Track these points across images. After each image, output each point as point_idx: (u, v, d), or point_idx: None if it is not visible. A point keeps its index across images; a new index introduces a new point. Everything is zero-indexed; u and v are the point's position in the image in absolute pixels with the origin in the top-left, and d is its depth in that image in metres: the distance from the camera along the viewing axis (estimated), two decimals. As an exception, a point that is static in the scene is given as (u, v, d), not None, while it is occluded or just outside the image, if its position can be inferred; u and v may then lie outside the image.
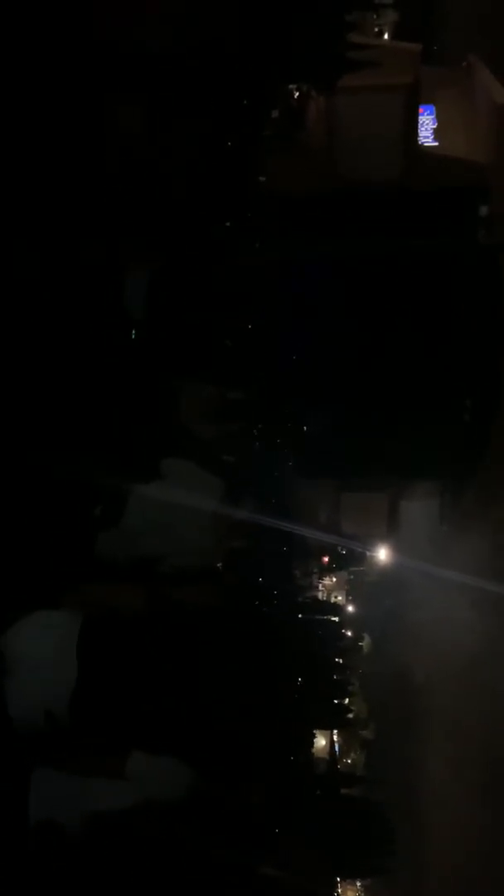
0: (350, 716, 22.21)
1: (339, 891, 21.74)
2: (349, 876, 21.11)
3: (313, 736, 19.26)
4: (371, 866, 20.03)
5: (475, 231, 15.83)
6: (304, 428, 15.93)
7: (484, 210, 15.93)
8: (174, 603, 3.21)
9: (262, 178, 11.81)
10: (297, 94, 14.38)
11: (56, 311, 4.02)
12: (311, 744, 18.96)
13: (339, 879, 20.79)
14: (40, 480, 3.44)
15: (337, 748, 23.40)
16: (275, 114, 13.16)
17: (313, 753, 19.55)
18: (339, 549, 21.39)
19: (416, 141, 16.00)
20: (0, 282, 3.84)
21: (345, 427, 15.56)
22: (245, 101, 9.55)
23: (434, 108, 16.54)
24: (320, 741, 21.61)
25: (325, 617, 21.27)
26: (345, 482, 17.74)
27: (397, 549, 19.36)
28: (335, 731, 22.89)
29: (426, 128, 16.41)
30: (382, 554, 20.21)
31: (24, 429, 3.62)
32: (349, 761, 24.23)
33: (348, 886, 22.64)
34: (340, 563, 23.13)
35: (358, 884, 22.85)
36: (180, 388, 5.09)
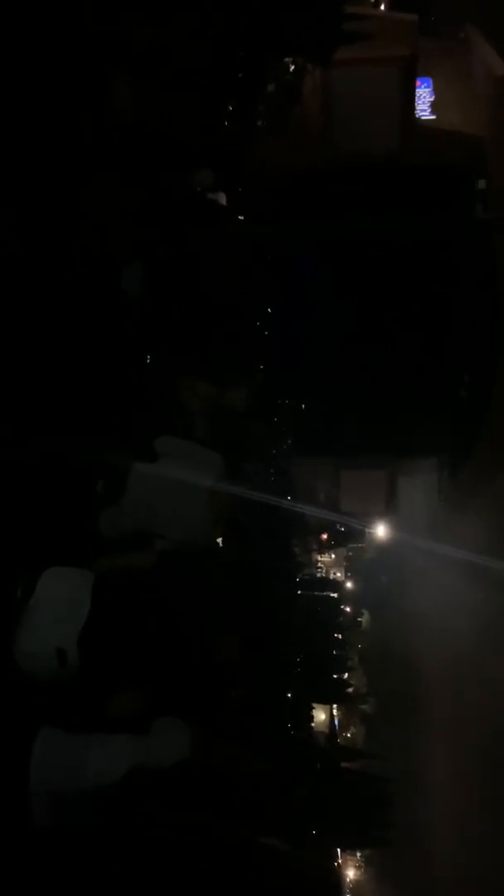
0: (349, 690, 22.43)
1: (340, 862, 22.08)
2: (350, 847, 21.45)
3: (313, 710, 19.47)
4: (371, 838, 20.33)
5: (472, 206, 15.73)
6: (303, 406, 15.94)
7: (481, 184, 15.81)
8: (179, 571, 3.30)
9: (257, 153, 11.71)
10: (293, 67, 14.20)
11: (55, 294, 4.02)
12: (311, 718, 19.17)
13: (339, 851, 21.11)
14: (43, 459, 3.49)
15: (336, 722, 23.65)
16: (270, 87, 13.01)
17: (313, 727, 19.76)
18: (338, 526, 21.49)
19: (413, 114, 15.83)
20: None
21: (343, 405, 15.56)
22: (240, 75, 9.45)
23: (431, 81, 16.34)
24: (320, 715, 21.85)
25: (325, 593, 21.42)
26: (343, 460, 17.78)
27: (396, 525, 19.44)
28: (335, 706, 23.13)
29: (423, 101, 16.22)
30: (381, 531, 20.30)
31: (29, 410, 3.65)
32: (349, 735, 24.50)
33: (349, 858, 23.00)
34: (339, 540, 23.26)
35: (358, 855, 23.21)
36: (178, 369, 5.10)
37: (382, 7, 19.14)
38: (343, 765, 20.52)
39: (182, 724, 2.86)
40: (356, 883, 23.42)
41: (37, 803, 2.56)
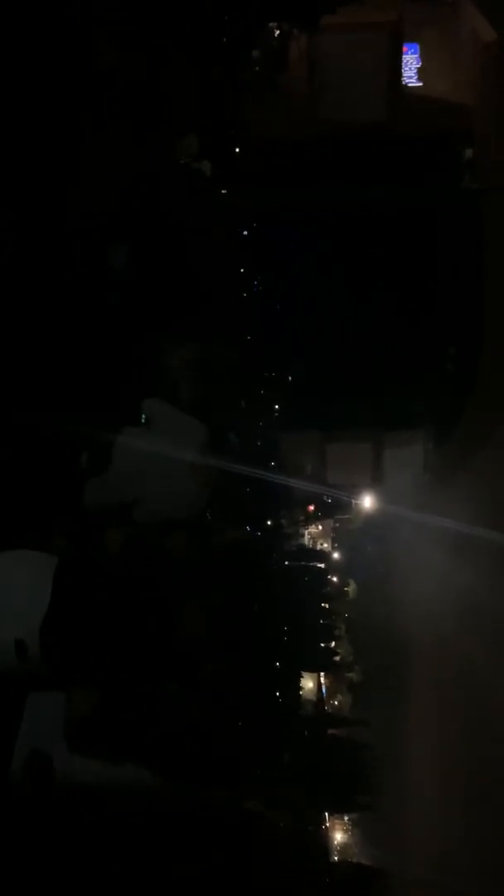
0: (336, 659, 22.70)
1: (328, 825, 22.50)
2: (337, 811, 21.85)
3: (301, 678, 19.71)
4: (358, 802, 20.74)
5: (460, 175, 15.62)
6: (289, 378, 15.92)
7: (468, 153, 15.68)
8: (153, 548, 3.24)
9: (241, 120, 11.57)
10: (278, 32, 13.97)
11: (39, 267, 3.98)
12: (299, 686, 19.41)
13: (327, 815, 21.51)
14: (28, 431, 3.46)
15: (324, 690, 23.96)
16: (255, 53, 12.81)
17: (301, 695, 20.01)
18: (325, 497, 21.57)
19: (400, 81, 15.62)
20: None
21: (329, 377, 15.55)
22: (224, 40, 9.30)
23: (418, 47, 16.09)
24: (308, 683, 22.11)
25: (312, 564, 21.58)
26: (329, 432, 17.80)
27: (382, 497, 19.55)
28: (322, 674, 23.41)
29: (410, 68, 15.99)
30: (367, 502, 20.41)
31: (12, 382, 3.62)
32: (336, 703, 24.82)
33: (336, 821, 23.42)
34: (326, 512, 23.37)
35: (346, 818, 23.64)
36: (164, 341, 5.07)
37: (369, -29, 18.78)
38: (330, 731, 20.86)
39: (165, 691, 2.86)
40: (343, 845, 23.89)
41: (18, 759, 2.57)
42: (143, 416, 3.89)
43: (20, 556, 3.05)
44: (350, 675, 24.48)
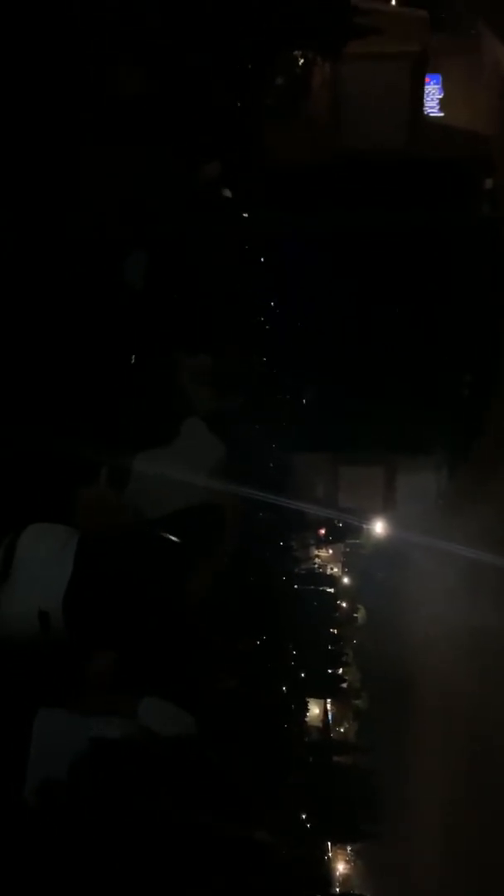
0: (343, 685, 22.50)
1: (330, 855, 22.18)
2: (340, 841, 21.56)
3: (307, 704, 19.53)
4: (361, 832, 20.45)
5: (479, 204, 15.69)
6: (303, 401, 15.93)
7: (488, 183, 15.77)
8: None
9: (264, 146, 11.69)
10: (302, 60, 14.15)
11: (53, 279, 4.01)
12: (305, 712, 19.23)
13: (330, 844, 21.22)
14: (45, 449, 3.47)
15: (330, 717, 23.73)
16: (279, 80, 12.97)
17: (307, 721, 19.83)
18: (336, 521, 21.49)
19: (422, 111, 15.77)
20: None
21: (343, 400, 15.55)
22: (249, 67, 9.42)
23: (440, 78, 16.26)
24: (314, 710, 21.91)
25: (321, 588, 21.46)
26: (342, 455, 17.78)
27: (393, 522, 19.46)
28: (328, 700, 23.20)
29: (432, 98, 16.15)
30: (378, 527, 20.32)
31: (28, 397, 3.64)
32: (342, 730, 24.56)
33: (339, 851, 23.10)
34: (337, 536, 23.27)
35: (348, 849, 23.31)
36: (178, 361, 5.09)
37: (394, 2, 19.04)
38: (335, 759, 20.63)
39: (178, 714, 2.85)
40: (345, 876, 23.53)
41: (32, 785, 2.55)
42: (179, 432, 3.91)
43: (43, 528, 3.07)
44: (357, 702, 24.24)
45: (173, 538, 3.10)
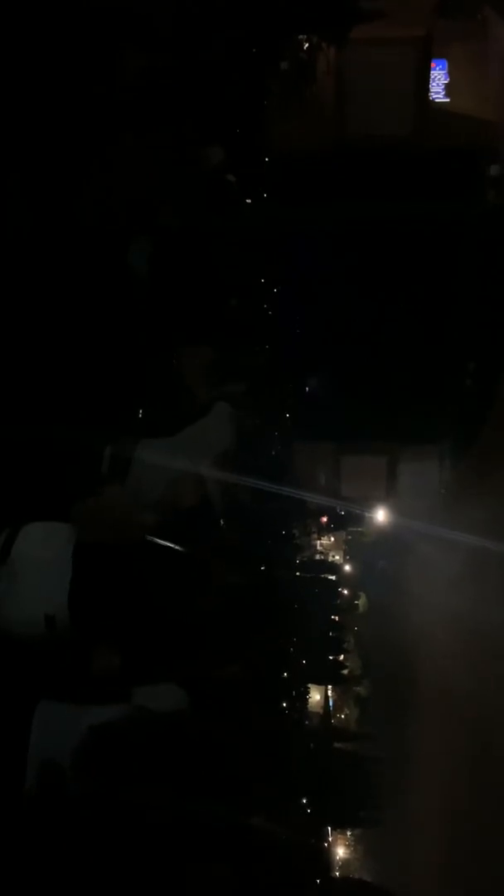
0: (345, 672, 22.59)
1: (330, 840, 22.35)
2: (340, 827, 21.70)
3: (308, 691, 19.61)
4: (362, 817, 20.59)
5: (485, 191, 15.59)
6: (305, 390, 15.91)
7: (495, 169, 15.66)
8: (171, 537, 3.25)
9: (268, 132, 11.62)
10: (307, 45, 14.04)
11: (58, 273, 4.01)
12: (306, 698, 19.31)
13: (330, 830, 21.36)
14: (49, 436, 3.48)
15: (331, 704, 23.84)
16: (283, 66, 12.88)
17: (308, 708, 19.92)
18: (338, 510, 21.51)
19: (427, 97, 15.64)
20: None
21: (345, 389, 15.53)
22: (253, 52, 9.36)
23: (446, 63, 16.12)
24: (315, 696, 22.01)
25: (323, 576, 21.51)
26: (344, 444, 17.77)
27: (395, 511, 19.48)
28: (329, 687, 23.30)
29: (437, 83, 16.01)
30: (381, 516, 20.35)
31: (31, 385, 3.65)
32: (343, 716, 24.69)
33: (339, 837, 23.26)
34: (339, 524, 23.31)
35: (349, 833, 23.47)
36: (181, 350, 5.09)
37: (399, -14, 18.83)
38: (336, 745, 20.74)
39: (177, 696, 2.86)
40: (345, 861, 23.72)
41: (32, 774, 2.57)
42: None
43: (42, 528, 3.08)
44: (358, 689, 24.35)
45: (173, 546, 3.12)
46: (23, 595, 2.88)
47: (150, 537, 3.22)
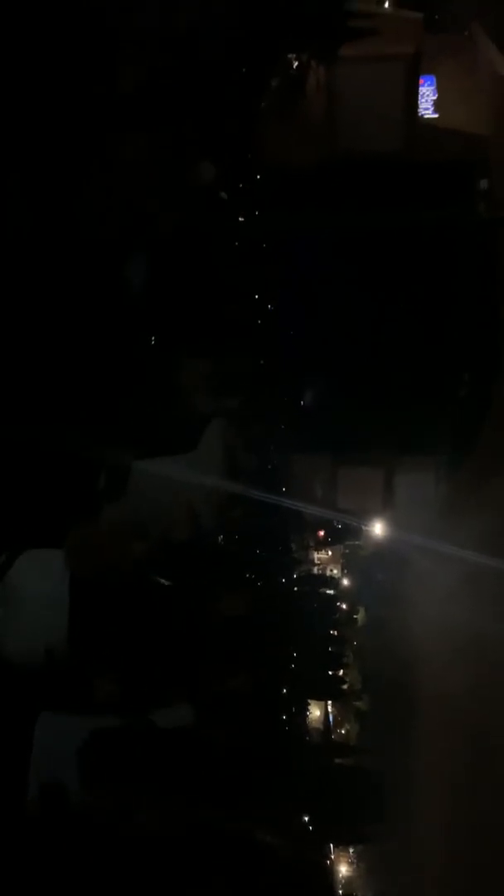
0: (344, 687, 22.43)
1: (333, 858, 22.12)
2: (342, 843, 21.47)
3: (308, 706, 19.48)
4: (364, 834, 20.38)
5: (475, 204, 15.72)
6: (301, 403, 15.94)
7: (484, 183, 15.80)
8: (165, 568, 3.25)
9: (259, 148, 11.72)
10: (297, 63, 14.18)
11: (58, 286, 4.02)
12: (306, 714, 19.18)
13: (332, 847, 21.15)
14: (47, 451, 3.48)
15: (331, 719, 23.67)
16: (274, 83, 13.00)
17: (308, 723, 19.77)
18: (335, 523, 21.47)
19: (416, 112, 15.81)
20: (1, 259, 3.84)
21: (341, 401, 15.56)
22: (244, 70, 9.45)
23: (435, 79, 16.31)
24: (315, 712, 21.85)
25: (321, 590, 21.41)
26: (341, 456, 17.77)
27: (393, 523, 19.46)
28: (329, 702, 23.14)
29: (426, 99, 16.21)
30: (378, 528, 20.31)
31: (29, 403, 3.65)
32: (343, 732, 24.50)
33: (341, 853, 23.03)
34: (336, 537, 23.24)
35: (351, 851, 23.23)
36: (178, 362, 5.10)
37: (387, 4, 19.09)
38: (337, 761, 20.57)
39: (178, 713, 2.85)
40: (348, 879, 23.46)
41: (35, 784, 2.55)
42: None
43: (39, 558, 3.06)
44: (358, 703, 24.19)
45: (165, 581, 3.13)
46: (22, 627, 2.89)
47: (145, 565, 3.22)
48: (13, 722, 2.60)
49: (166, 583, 3.11)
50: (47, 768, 2.58)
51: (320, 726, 22.98)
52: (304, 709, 18.51)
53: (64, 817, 2.53)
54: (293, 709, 15.98)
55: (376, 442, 16.48)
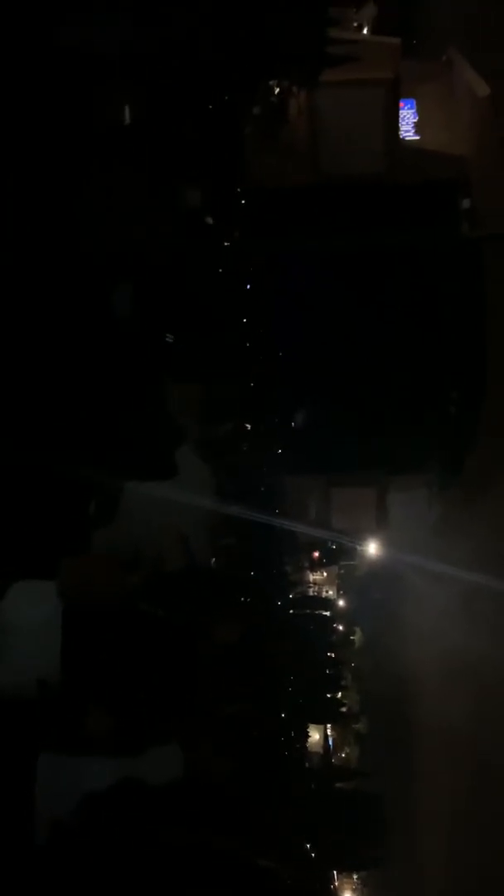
0: (343, 710, 22.25)
1: (336, 884, 21.81)
2: (345, 868, 21.19)
3: (307, 730, 19.30)
4: (366, 859, 20.12)
5: (457, 224, 15.89)
6: (292, 423, 15.96)
7: (466, 203, 15.98)
8: (158, 598, 3.22)
9: (244, 173, 11.83)
10: (278, 89, 14.36)
11: (47, 310, 4.02)
12: (305, 738, 19.00)
13: (335, 872, 20.87)
14: (37, 477, 3.46)
15: (330, 742, 23.45)
16: (256, 109, 13.15)
17: (307, 747, 19.59)
18: (330, 543, 21.42)
19: (398, 135, 16.02)
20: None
21: (332, 422, 15.59)
22: (226, 97, 9.56)
23: (415, 102, 16.56)
24: (314, 735, 21.65)
25: (317, 611, 21.31)
26: (333, 477, 17.78)
27: (387, 542, 19.44)
28: (329, 726, 22.94)
29: (407, 122, 16.43)
30: (372, 548, 20.27)
31: (22, 427, 3.63)
32: (343, 755, 24.28)
33: (345, 879, 22.72)
34: (331, 558, 23.18)
35: (354, 877, 22.93)
36: (169, 385, 5.10)
37: (366, 31, 19.41)
38: (338, 785, 20.35)
39: (176, 747, 2.81)
40: (352, 905, 23.12)
41: (40, 825, 2.51)
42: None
43: (30, 590, 3.04)
44: (357, 726, 23.99)
45: (159, 608, 3.11)
46: (13, 661, 2.85)
47: (138, 593, 3.20)
48: (10, 758, 2.56)
49: (160, 611, 3.07)
50: (51, 804, 2.54)
51: (320, 750, 22.76)
52: (304, 733, 18.34)
53: (70, 850, 2.49)
54: (292, 733, 15.83)
55: (369, 462, 16.50)
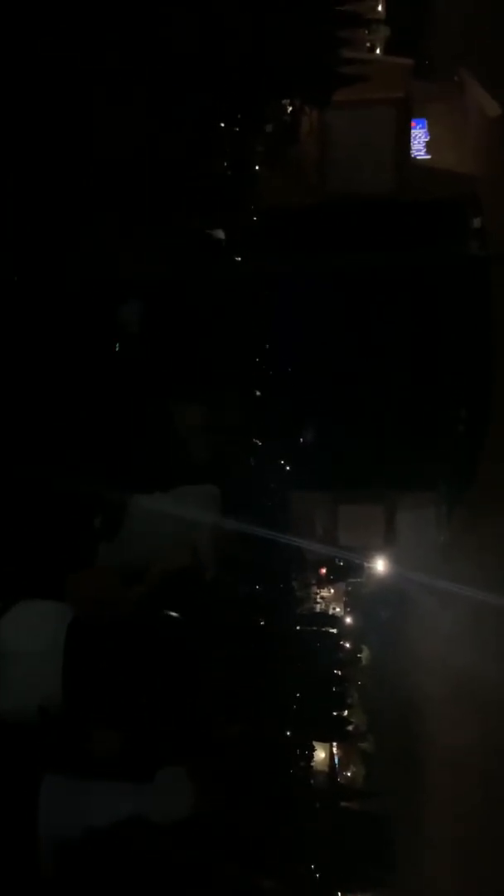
0: (349, 728, 22.09)
1: (341, 905, 21.56)
2: (351, 889, 20.95)
3: (313, 749, 19.17)
4: (373, 879, 19.89)
5: (467, 243, 15.93)
6: (301, 440, 15.97)
7: (476, 222, 16.04)
8: (165, 614, 3.19)
9: (255, 191, 11.91)
10: (290, 108, 14.49)
11: (55, 327, 4.05)
12: (311, 757, 18.87)
13: (341, 893, 20.63)
14: (42, 491, 3.46)
15: (336, 761, 23.26)
16: (268, 128, 13.25)
17: (313, 766, 19.44)
18: (337, 560, 21.35)
19: (409, 154, 16.13)
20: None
21: (341, 439, 15.59)
22: (239, 116, 9.64)
23: (426, 122, 16.68)
24: (320, 754, 21.49)
25: (324, 629, 21.21)
26: (341, 494, 17.75)
27: (395, 560, 19.36)
28: (334, 744, 22.76)
29: (418, 141, 16.55)
30: (380, 565, 20.19)
31: (27, 442, 3.65)
32: (349, 774, 24.07)
33: (350, 901, 22.46)
34: (338, 575, 23.10)
35: (360, 898, 22.66)
36: (177, 403, 5.11)
37: (378, 51, 19.59)
38: (343, 804, 20.18)
39: (184, 778, 2.76)
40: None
41: (43, 851, 2.50)
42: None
43: (33, 610, 3.01)
44: (363, 745, 23.79)
45: (165, 624, 3.08)
46: (15, 686, 2.81)
47: (145, 608, 3.18)
48: (13, 781, 2.54)
49: (166, 626, 3.05)
50: (55, 827, 2.51)
51: (326, 769, 22.59)
52: (309, 751, 18.21)
53: (75, 873, 2.47)
54: (298, 752, 15.72)
55: (377, 479, 16.47)
